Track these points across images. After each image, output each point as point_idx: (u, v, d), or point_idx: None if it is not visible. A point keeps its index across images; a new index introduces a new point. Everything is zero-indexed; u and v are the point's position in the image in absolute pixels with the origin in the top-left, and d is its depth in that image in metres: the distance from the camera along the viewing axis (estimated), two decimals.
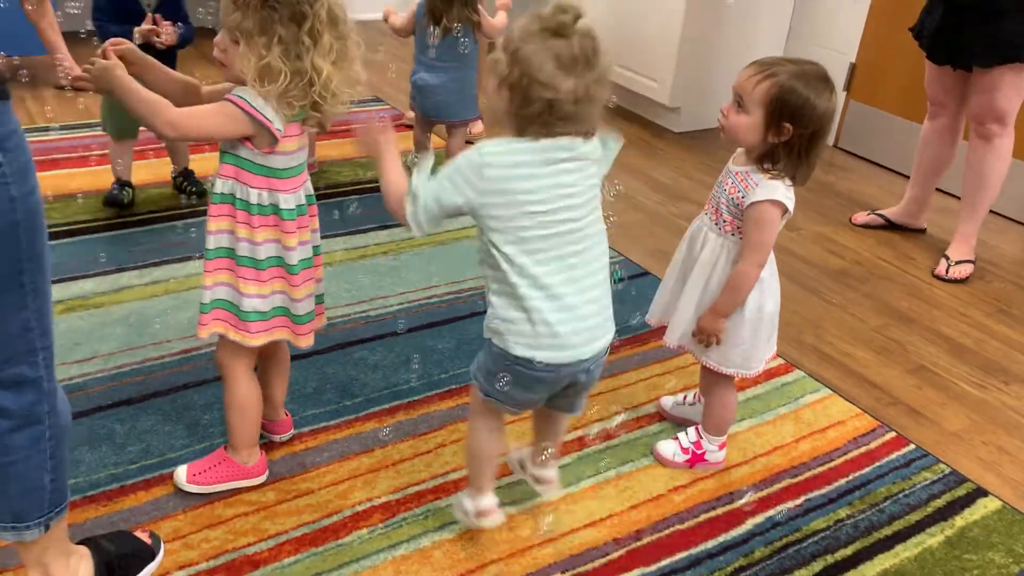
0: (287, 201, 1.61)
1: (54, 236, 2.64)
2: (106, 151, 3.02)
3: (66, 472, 1.39)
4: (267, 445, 1.90)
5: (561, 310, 1.44)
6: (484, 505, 1.67)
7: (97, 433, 1.90)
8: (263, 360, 1.82)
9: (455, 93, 3.11)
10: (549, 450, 1.72)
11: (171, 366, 2.14)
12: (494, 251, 1.43)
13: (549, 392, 1.55)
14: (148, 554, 1.59)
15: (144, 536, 1.61)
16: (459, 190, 1.40)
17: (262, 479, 1.82)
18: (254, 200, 1.60)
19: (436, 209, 1.42)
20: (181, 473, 1.77)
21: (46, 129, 3.39)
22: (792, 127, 1.63)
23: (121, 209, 2.84)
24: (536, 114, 1.36)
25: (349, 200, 3.05)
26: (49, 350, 1.29)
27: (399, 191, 1.46)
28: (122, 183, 2.87)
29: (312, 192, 1.71)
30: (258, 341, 1.67)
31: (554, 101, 1.34)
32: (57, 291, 2.38)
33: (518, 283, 1.43)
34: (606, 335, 1.53)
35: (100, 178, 3.01)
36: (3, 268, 1.19)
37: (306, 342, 1.73)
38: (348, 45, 1.58)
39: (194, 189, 2.96)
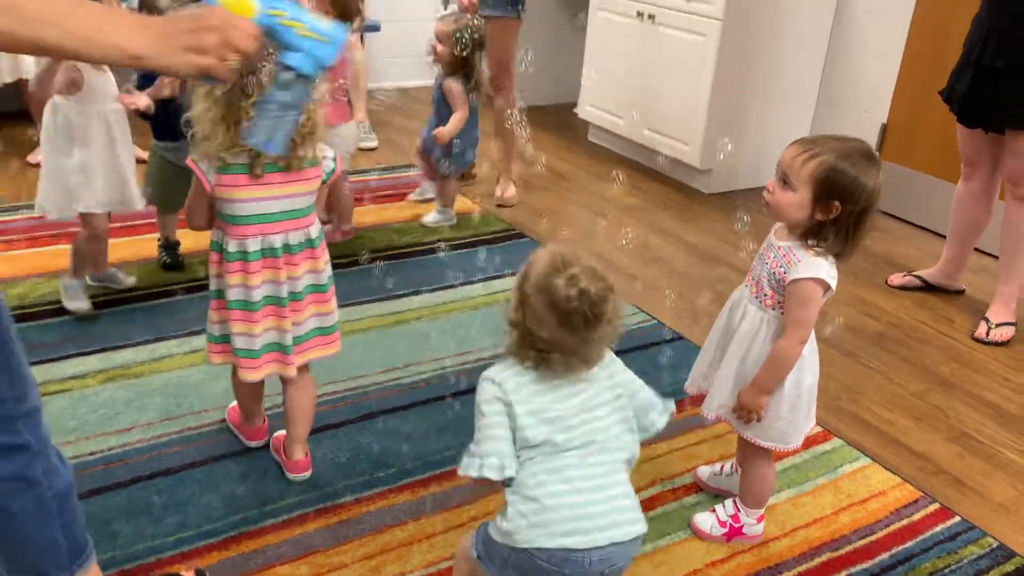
0: (229, 244, 1.82)
1: (97, 306, 2.71)
2: (144, 221, 3.16)
3: (79, 526, 1.43)
4: (303, 516, 1.92)
5: (572, 494, 1.39)
6: None
7: (136, 504, 1.92)
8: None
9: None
10: None
11: (209, 436, 2.16)
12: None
13: None
14: None
15: None
16: (497, 414, 1.40)
17: (252, 444, 2.13)
18: (214, 237, 1.86)
19: (504, 446, 1.39)
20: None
21: None
22: (841, 205, 1.63)
23: (177, 270, 2.99)
24: (533, 356, 1.40)
25: (383, 266, 3.10)
26: (32, 415, 1.32)
27: None
28: (169, 244, 3.00)
29: (279, 247, 1.83)
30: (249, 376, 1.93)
31: (547, 354, 1.38)
32: (98, 361, 2.43)
33: (532, 473, 1.39)
34: (619, 529, 1.42)
35: (142, 248, 3.10)
36: None
37: (244, 375, 1.91)
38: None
39: None
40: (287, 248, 1.84)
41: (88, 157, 2.50)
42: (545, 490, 1.38)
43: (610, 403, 1.45)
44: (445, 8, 3.37)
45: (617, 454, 1.45)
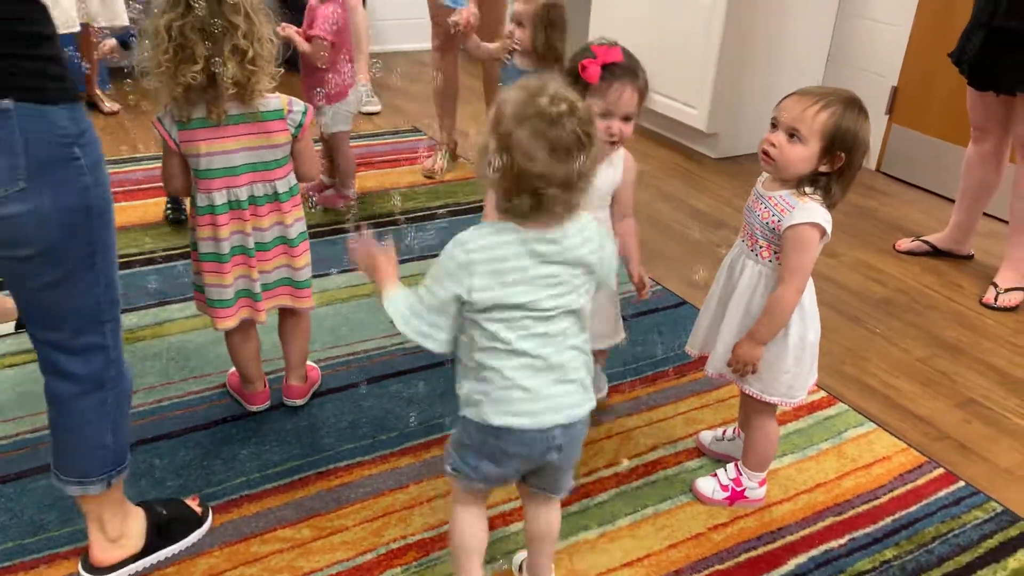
0: (198, 198, 1.86)
1: None
2: (151, 185, 3.13)
3: (126, 435, 1.56)
4: (304, 479, 1.92)
5: (535, 376, 1.36)
6: None
7: (137, 468, 1.91)
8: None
9: None
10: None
11: (210, 400, 2.16)
12: (476, 327, 1.36)
13: (517, 468, 1.45)
14: (196, 521, 1.75)
15: (195, 505, 1.78)
16: (450, 289, 1.33)
17: (254, 408, 2.12)
18: (191, 191, 1.90)
19: (439, 318, 1.36)
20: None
21: None
22: (845, 156, 1.62)
23: (182, 225, 2.95)
24: (524, 206, 1.27)
25: (384, 231, 3.08)
26: (116, 321, 1.46)
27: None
28: (177, 202, 3.00)
29: (244, 199, 1.87)
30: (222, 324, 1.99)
31: (543, 191, 1.25)
32: None
33: (494, 352, 1.35)
34: (579, 407, 1.41)
35: (149, 211, 3.08)
36: (80, 250, 1.35)
37: (218, 324, 1.96)
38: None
39: None
40: (253, 200, 1.88)
41: None
42: (508, 372, 1.35)
43: (580, 287, 1.37)
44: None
45: (576, 326, 1.39)
